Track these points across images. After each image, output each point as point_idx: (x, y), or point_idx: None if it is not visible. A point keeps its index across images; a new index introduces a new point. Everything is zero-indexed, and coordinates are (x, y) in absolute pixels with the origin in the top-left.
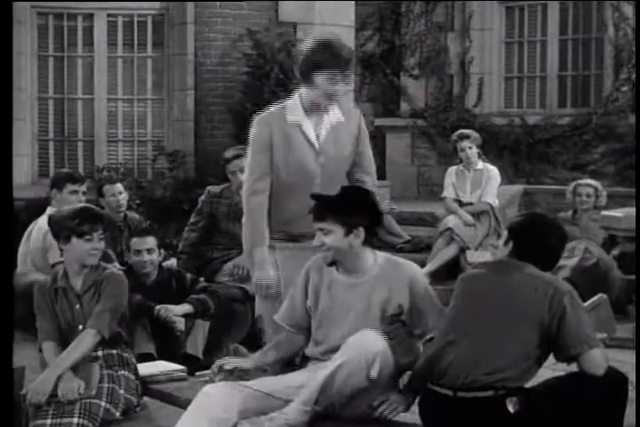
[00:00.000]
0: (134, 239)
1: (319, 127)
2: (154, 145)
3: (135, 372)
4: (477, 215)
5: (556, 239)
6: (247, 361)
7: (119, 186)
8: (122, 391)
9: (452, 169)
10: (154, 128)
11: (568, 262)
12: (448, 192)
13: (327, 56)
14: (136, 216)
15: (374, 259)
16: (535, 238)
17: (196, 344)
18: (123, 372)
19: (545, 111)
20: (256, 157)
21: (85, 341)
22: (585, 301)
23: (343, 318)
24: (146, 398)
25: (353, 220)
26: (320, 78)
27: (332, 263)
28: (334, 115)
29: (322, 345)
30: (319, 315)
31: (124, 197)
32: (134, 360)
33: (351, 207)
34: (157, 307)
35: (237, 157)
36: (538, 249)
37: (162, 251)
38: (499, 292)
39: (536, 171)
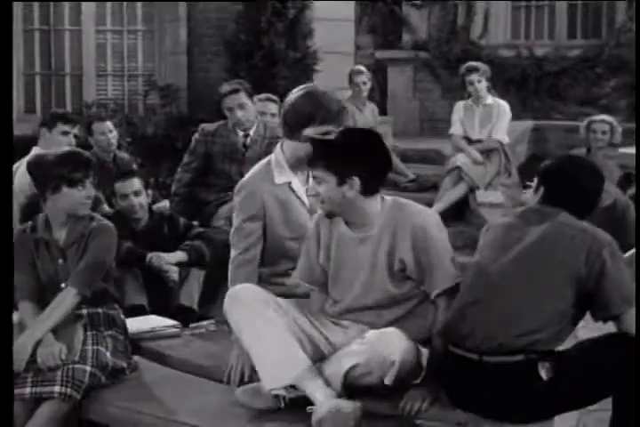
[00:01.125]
0: (118, 183)
1: (307, 183)
2: (145, 79)
3: (124, 331)
4: (487, 153)
5: (591, 180)
6: None
7: (109, 124)
8: (108, 354)
9: (460, 104)
10: (145, 61)
11: None
12: (455, 129)
13: (318, 109)
14: (126, 156)
15: (381, 207)
16: (568, 181)
17: (190, 295)
18: (110, 332)
19: (554, 42)
20: (246, 226)
21: (65, 301)
22: None
23: (354, 276)
24: (136, 358)
25: (344, 168)
26: (310, 132)
27: (331, 215)
28: None
29: (338, 304)
30: (331, 273)
31: (113, 136)
32: (123, 318)
33: (343, 154)
34: (149, 255)
35: (234, 91)
36: (572, 193)
37: (149, 192)
38: (530, 243)
39: (544, 105)
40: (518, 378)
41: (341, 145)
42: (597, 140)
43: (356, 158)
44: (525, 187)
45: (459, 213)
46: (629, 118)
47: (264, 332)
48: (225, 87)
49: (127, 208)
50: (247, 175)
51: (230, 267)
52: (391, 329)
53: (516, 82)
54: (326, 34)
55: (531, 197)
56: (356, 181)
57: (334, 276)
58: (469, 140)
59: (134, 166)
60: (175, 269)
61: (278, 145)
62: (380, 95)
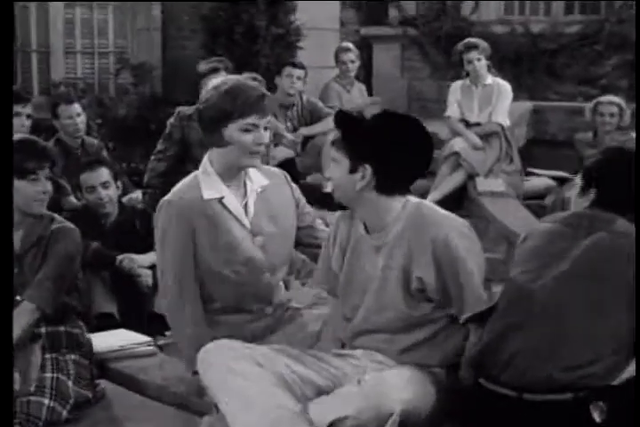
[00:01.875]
0: (84, 174)
1: (244, 198)
2: (116, 57)
3: (89, 354)
4: (486, 137)
5: None
6: None
7: (77, 107)
8: (70, 383)
9: (457, 84)
10: (116, 38)
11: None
12: (452, 111)
13: (234, 101)
14: (95, 142)
15: (402, 209)
16: (624, 180)
17: None
18: (72, 356)
19: (550, 19)
20: (177, 255)
21: (21, 318)
22: None
23: (364, 291)
24: (103, 383)
25: (360, 152)
26: (232, 131)
27: (340, 207)
28: (256, 178)
29: (349, 325)
30: (342, 282)
31: (82, 120)
32: (88, 337)
33: (365, 136)
34: (119, 257)
35: (213, 71)
36: (629, 194)
37: (119, 184)
38: (581, 256)
39: (540, 85)
40: (565, 420)
41: (367, 126)
42: (605, 124)
43: (377, 144)
44: (528, 174)
45: (457, 203)
46: (632, 99)
47: (240, 395)
48: (203, 66)
49: (94, 202)
50: (171, 192)
51: (169, 310)
52: (394, 371)
53: (509, 60)
54: (310, 9)
55: (576, 202)
56: (369, 171)
57: (345, 286)
58: (467, 124)
59: (104, 153)
60: (149, 272)
61: (206, 155)
62: (365, 74)
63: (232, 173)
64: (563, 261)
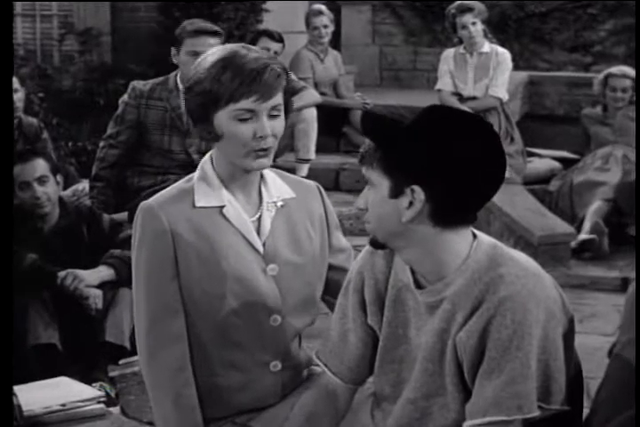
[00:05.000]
0: (16, 167)
1: (257, 212)
2: (60, 21)
3: None
4: (483, 113)
5: None
6: None
7: (13, 81)
8: None
9: (449, 52)
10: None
11: (608, 178)
12: (443, 83)
13: (223, 78)
14: (34, 122)
15: (467, 255)
16: None
17: (119, 327)
18: None
19: None
20: (158, 285)
21: None
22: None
23: (410, 364)
24: None
25: (400, 168)
26: (222, 120)
27: (378, 245)
28: (277, 188)
29: (388, 408)
30: (381, 349)
31: (19, 97)
32: (16, 404)
33: (404, 143)
34: (61, 274)
35: (211, 33)
36: None
37: (59, 178)
38: None
39: (527, 52)
40: None
41: (412, 130)
42: (617, 100)
43: (429, 155)
44: (531, 155)
45: None
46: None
47: None
48: (198, 24)
49: (29, 201)
50: (154, 198)
51: (142, 358)
52: None
53: (493, 24)
54: None
55: None
56: (419, 193)
57: (383, 355)
58: (461, 98)
59: (45, 135)
60: (98, 292)
61: (208, 154)
62: (333, 40)
63: (239, 178)
64: None
